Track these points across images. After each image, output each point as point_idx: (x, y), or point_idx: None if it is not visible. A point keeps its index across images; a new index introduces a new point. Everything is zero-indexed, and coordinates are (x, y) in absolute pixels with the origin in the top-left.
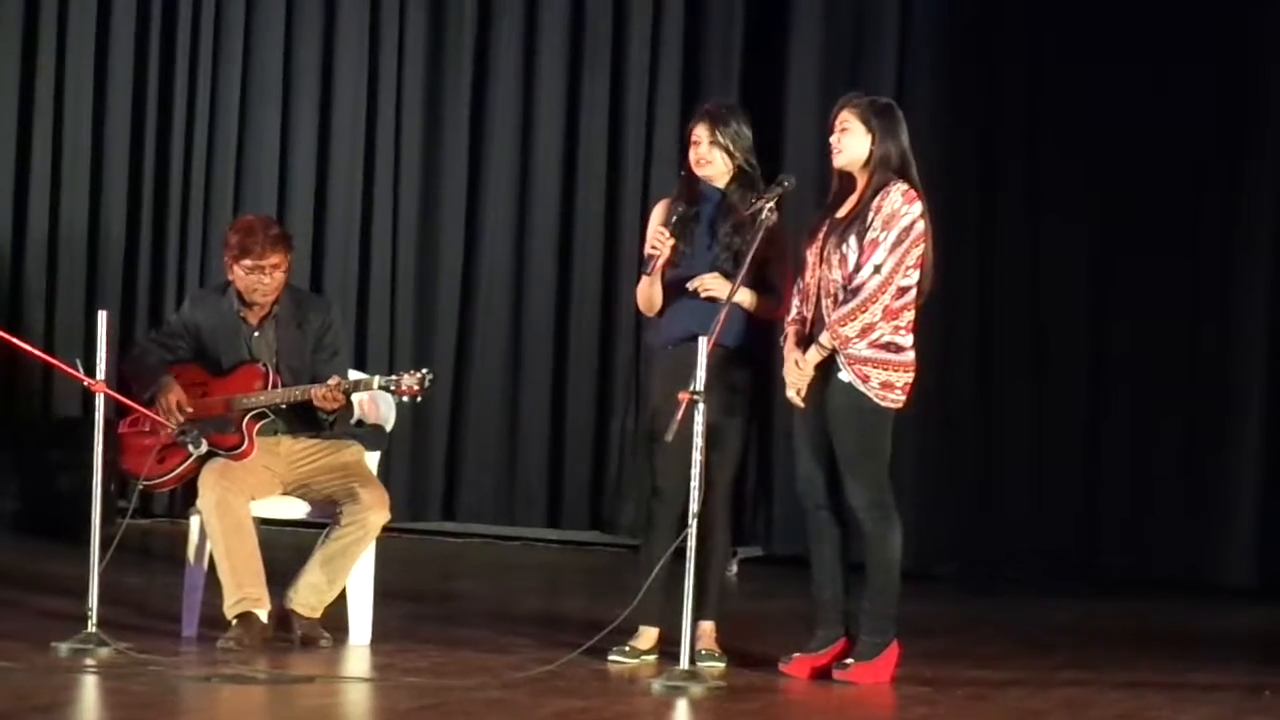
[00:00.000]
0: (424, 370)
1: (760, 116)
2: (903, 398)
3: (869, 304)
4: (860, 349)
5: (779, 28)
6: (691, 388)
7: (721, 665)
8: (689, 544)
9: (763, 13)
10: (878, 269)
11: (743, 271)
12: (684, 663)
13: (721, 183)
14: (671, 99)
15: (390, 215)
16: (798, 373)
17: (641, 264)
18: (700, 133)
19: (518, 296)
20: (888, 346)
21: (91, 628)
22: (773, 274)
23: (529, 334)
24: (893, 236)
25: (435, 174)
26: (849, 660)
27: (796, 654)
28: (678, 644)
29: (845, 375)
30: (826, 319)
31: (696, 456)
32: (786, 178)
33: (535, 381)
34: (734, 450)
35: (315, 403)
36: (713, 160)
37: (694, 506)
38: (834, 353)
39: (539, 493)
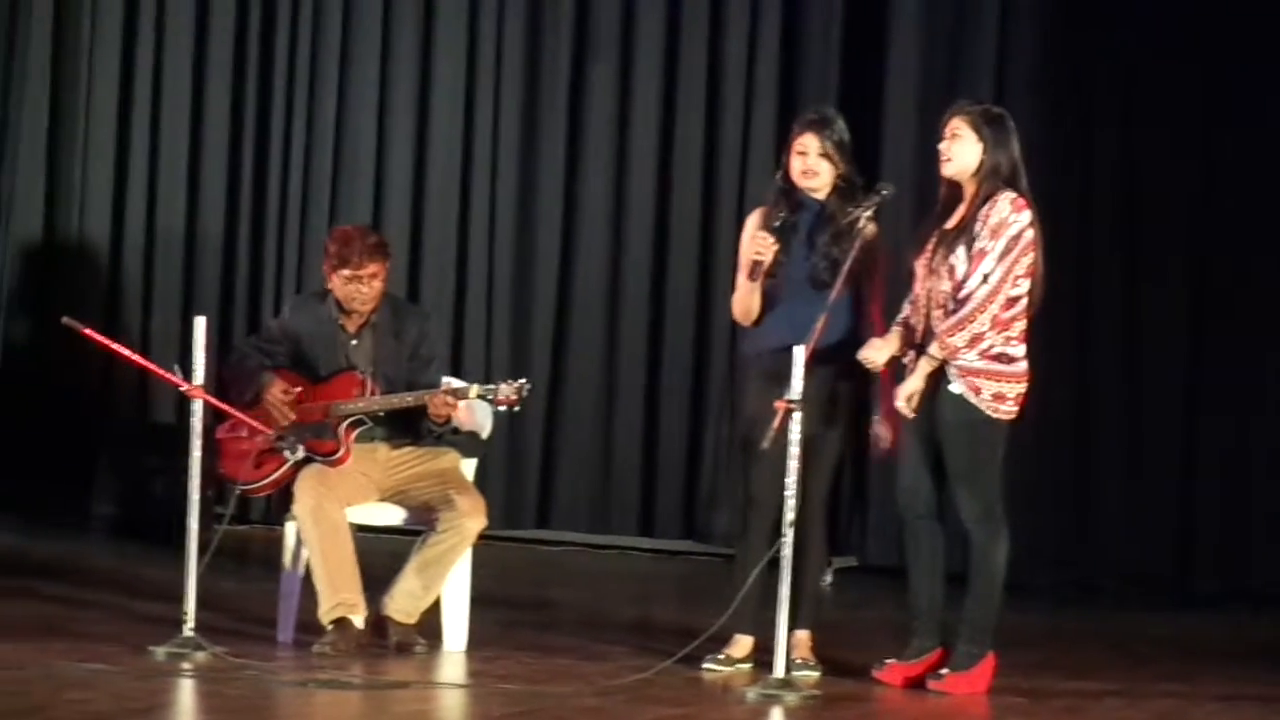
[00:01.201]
0: (522, 380)
1: (857, 121)
2: (1015, 409)
3: (977, 314)
4: (971, 360)
5: (877, 30)
6: (787, 396)
7: (816, 674)
8: (784, 553)
9: (861, 15)
10: (985, 278)
11: (839, 281)
12: (779, 671)
13: (823, 193)
14: (768, 105)
15: (486, 223)
16: (873, 352)
17: (750, 273)
18: (808, 143)
19: (613, 304)
20: (999, 357)
21: (189, 632)
22: (864, 287)
23: (624, 342)
24: (1001, 245)
25: (531, 181)
26: (944, 670)
27: (891, 662)
28: (772, 653)
29: (957, 387)
30: (936, 330)
31: (792, 465)
32: (885, 187)
33: (630, 390)
34: (830, 460)
35: (430, 410)
36: (819, 171)
37: (789, 515)
38: (944, 364)
39: (633, 501)
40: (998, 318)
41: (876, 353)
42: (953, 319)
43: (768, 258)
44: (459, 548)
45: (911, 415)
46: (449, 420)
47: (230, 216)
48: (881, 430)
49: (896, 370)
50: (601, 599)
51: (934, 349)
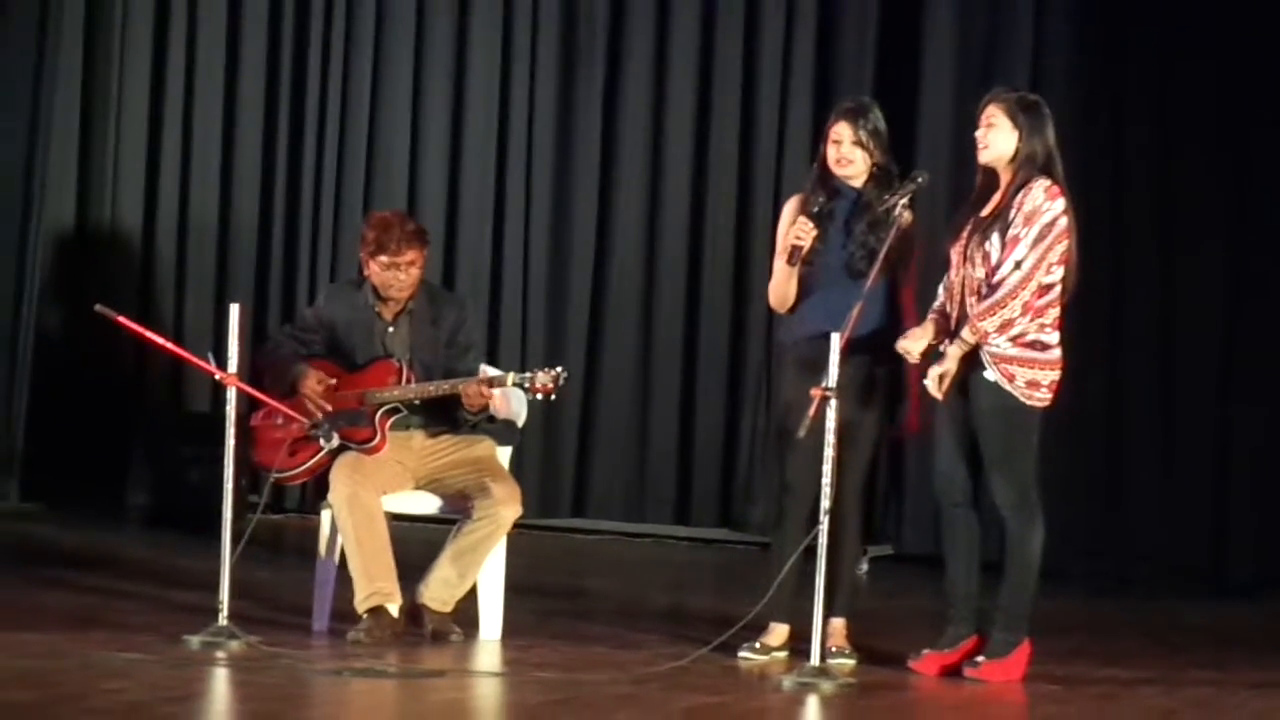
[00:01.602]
0: (559, 368)
1: (893, 111)
2: (1049, 396)
3: (1009, 299)
4: (1005, 347)
5: (913, 21)
6: (824, 384)
7: (852, 662)
8: (820, 541)
9: (897, 13)
10: (1018, 265)
11: (875, 269)
12: (815, 659)
13: (859, 182)
14: (804, 93)
15: (522, 213)
16: (910, 342)
17: (789, 258)
18: (842, 131)
19: (649, 293)
20: (1033, 345)
21: (223, 621)
22: (900, 275)
23: (660, 331)
24: (1034, 233)
25: (567, 170)
26: (980, 658)
27: (927, 650)
28: (808, 641)
29: (991, 374)
30: (969, 315)
31: (828, 453)
32: (920, 174)
33: (666, 378)
34: (866, 448)
35: (464, 399)
36: (854, 160)
37: (825, 504)
38: (979, 351)
39: (669, 490)
40: (1030, 304)
41: (914, 343)
42: (984, 304)
43: (807, 243)
44: (494, 536)
45: (940, 397)
46: (484, 409)
47: (264, 204)
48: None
49: (932, 359)
50: (637, 588)
51: (965, 333)
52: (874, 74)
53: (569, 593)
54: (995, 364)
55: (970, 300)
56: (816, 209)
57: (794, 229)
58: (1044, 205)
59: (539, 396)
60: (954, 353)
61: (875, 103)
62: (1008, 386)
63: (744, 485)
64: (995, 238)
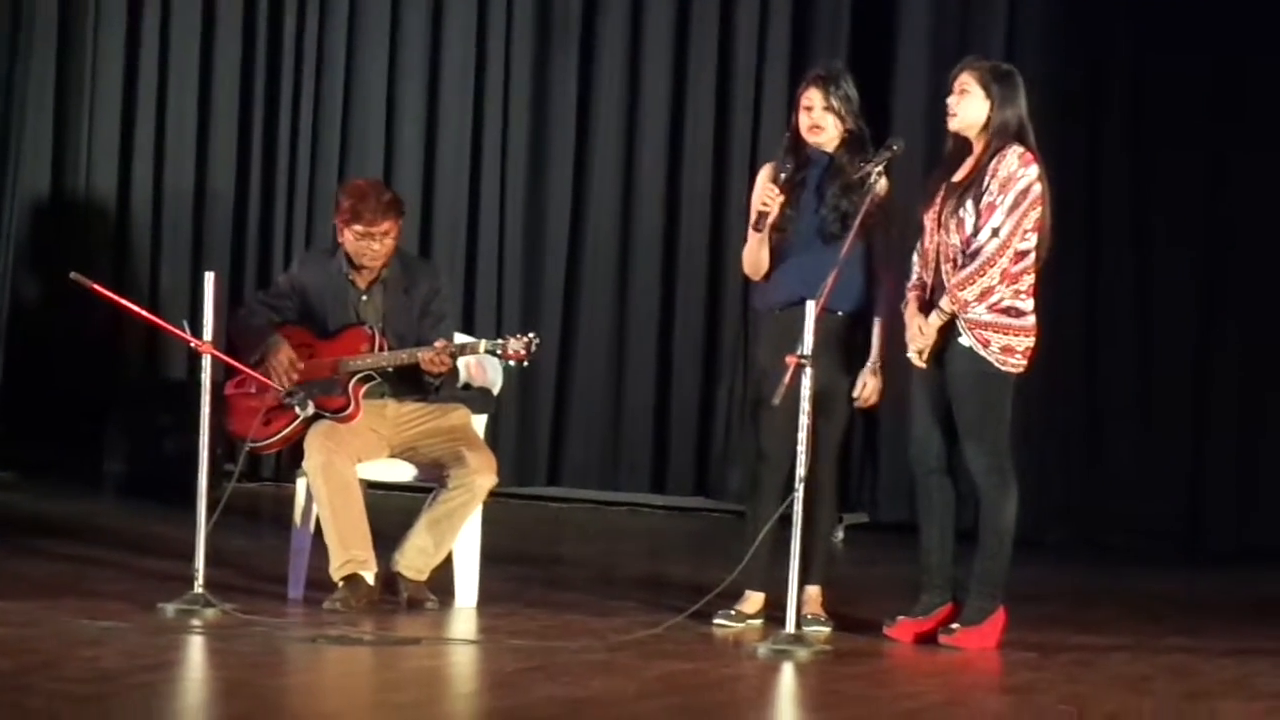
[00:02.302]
0: (530, 334)
1: (868, 79)
2: (1024, 362)
3: (987, 267)
4: (980, 313)
5: None
6: (799, 351)
7: (827, 630)
8: (795, 509)
9: None
10: (995, 232)
11: (850, 236)
12: (790, 627)
13: (831, 148)
14: (780, 61)
15: (498, 180)
16: (921, 338)
17: (755, 224)
18: (812, 97)
19: (624, 261)
20: (1008, 311)
21: (198, 589)
22: (876, 241)
23: (636, 299)
24: (1010, 199)
25: (542, 138)
26: (955, 625)
27: (902, 618)
28: (783, 608)
29: (966, 340)
30: (946, 284)
31: (804, 421)
32: (895, 142)
33: (641, 346)
34: (841, 416)
35: (421, 366)
36: (825, 126)
37: (800, 471)
38: (954, 317)
39: (644, 458)
40: (1007, 271)
41: (923, 340)
42: (963, 273)
43: (773, 209)
44: (470, 504)
45: (924, 365)
46: (444, 374)
47: (240, 172)
48: (870, 380)
49: (894, 322)
50: (613, 555)
51: (944, 303)
52: (849, 45)
53: (544, 561)
54: (970, 330)
55: (945, 267)
56: (785, 174)
57: (759, 196)
58: (1018, 172)
59: (512, 363)
60: (933, 323)
61: (846, 69)
62: (982, 352)
63: (720, 453)
64: (970, 204)
